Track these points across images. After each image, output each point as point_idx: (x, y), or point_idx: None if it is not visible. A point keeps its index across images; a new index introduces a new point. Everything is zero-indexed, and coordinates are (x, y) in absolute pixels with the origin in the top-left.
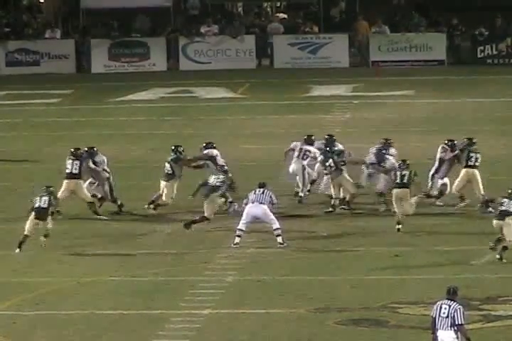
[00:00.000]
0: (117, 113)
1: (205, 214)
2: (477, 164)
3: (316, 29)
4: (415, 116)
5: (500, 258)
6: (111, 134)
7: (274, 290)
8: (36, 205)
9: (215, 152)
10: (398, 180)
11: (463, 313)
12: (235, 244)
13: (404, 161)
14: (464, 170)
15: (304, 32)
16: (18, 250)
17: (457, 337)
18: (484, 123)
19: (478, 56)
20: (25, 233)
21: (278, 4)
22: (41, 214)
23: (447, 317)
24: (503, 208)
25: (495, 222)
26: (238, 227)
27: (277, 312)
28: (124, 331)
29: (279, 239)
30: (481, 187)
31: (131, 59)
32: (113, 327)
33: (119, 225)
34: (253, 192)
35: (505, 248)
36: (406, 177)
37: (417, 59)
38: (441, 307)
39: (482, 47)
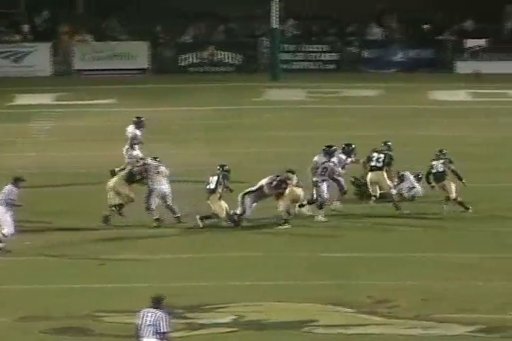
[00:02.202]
0: None
1: None
2: (379, 165)
3: (19, 37)
4: (119, 124)
5: None
6: None
7: None
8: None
9: None
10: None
11: (167, 321)
12: None
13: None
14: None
15: (7, 40)
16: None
17: None
18: (189, 131)
19: (181, 64)
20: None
21: None
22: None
23: (151, 325)
24: (434, 170)
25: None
26: None
27: None
28: None
29: None
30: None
31: None
32: None
33: None
34: None
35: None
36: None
37: (120, 67)
38: (145, 315)
39: (185, 56)
